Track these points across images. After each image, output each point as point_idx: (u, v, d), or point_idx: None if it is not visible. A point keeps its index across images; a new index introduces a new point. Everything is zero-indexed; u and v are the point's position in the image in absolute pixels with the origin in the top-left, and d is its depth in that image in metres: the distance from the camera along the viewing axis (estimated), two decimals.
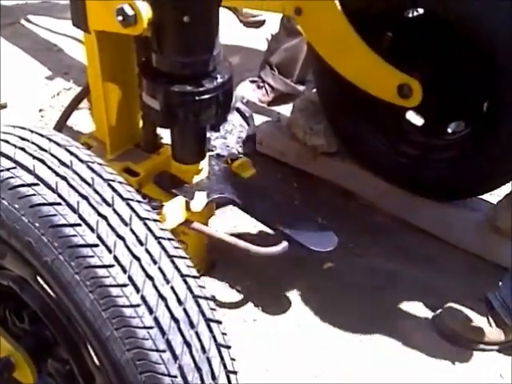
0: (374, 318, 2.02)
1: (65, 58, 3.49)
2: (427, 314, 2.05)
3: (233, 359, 1.15)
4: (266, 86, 2.98)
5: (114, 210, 1.13)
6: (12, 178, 1.14)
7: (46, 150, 1.19)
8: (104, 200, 1.13)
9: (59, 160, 1.17)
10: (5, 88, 3.09)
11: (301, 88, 3.00)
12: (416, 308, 2.07)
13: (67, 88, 3.16)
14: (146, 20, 1.43)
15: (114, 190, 1.16)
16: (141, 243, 1.11)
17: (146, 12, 1.43)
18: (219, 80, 1.60)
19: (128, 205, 1.15)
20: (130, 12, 1.42)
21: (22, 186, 1.13)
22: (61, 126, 1.96)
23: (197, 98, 1.57)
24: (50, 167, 1.16)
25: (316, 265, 2.19)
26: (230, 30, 3.48)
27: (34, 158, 1.17)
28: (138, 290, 1.06)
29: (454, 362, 1.91)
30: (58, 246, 1.08)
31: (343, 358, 1.90)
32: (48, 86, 3.20)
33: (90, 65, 1.72)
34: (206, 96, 1.58)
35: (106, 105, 1.75)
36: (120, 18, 1.43)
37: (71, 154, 1.20)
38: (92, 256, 1.07)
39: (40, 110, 2.98)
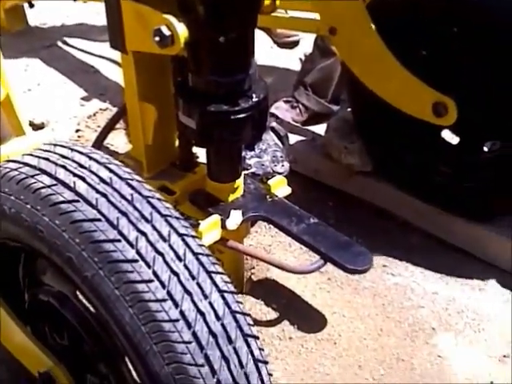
0: (412, 337, 2.00)
1: (101, 80, 3.55)
2: (466, 332, 2.02)
3: (270, 374, 1.15)
4: (300, 106, 2.99)
5: (153, 226, 1.14)
6: (53, 194, 1.17)
7: (85, 168, 1.22)
8: (143, 216, 1.15)
9: (99, 177, 1.20)
10: (43, 109, 3.16)
11: (335, 108, 3.00)
12: (455, 327, 2.04)
13: (103, 108, 3.21)
14: (183, 40, 1.45)
15: (152, 206, 1.18)
16: (179, 259, 1.12)
17: (183, 32, 1.45)
18: (255, 99, 1.61)
19: (166, 221, 1.17)
20: (167, 33, 1.44)
21: (63, 202, 1.15)
22: (98, 145, 1.99)
23: (232, 117, 1.59)
24: (89, 184, 1.18)
25: (352, 283, 2.18)
26: (264, 51, 3.52)
27: (75, 175, 1.20)
28: (176, 305, 1.07)
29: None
30: (98, 262, 1.10)
31: (379, 378, 1.88)
32: (85, 106, 3.26)
33: (127, 85, 1.75)
34: (242, 115, 1.59)
35: (142, 124, 1.78)
36: (157, 38, 1.45)
37: (111, 171, 1.22)
38: (131, 271, 1.08)
39: (77, 131, 3.03)
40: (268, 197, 1.84)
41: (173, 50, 1.48)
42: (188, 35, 1.46)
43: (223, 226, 1.73)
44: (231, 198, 1.82)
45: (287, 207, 1.84)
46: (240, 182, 1.82)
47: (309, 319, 2.05)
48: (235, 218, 1.75)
